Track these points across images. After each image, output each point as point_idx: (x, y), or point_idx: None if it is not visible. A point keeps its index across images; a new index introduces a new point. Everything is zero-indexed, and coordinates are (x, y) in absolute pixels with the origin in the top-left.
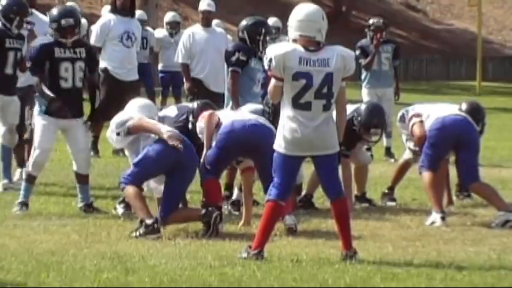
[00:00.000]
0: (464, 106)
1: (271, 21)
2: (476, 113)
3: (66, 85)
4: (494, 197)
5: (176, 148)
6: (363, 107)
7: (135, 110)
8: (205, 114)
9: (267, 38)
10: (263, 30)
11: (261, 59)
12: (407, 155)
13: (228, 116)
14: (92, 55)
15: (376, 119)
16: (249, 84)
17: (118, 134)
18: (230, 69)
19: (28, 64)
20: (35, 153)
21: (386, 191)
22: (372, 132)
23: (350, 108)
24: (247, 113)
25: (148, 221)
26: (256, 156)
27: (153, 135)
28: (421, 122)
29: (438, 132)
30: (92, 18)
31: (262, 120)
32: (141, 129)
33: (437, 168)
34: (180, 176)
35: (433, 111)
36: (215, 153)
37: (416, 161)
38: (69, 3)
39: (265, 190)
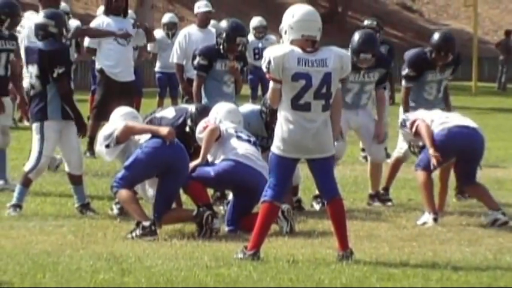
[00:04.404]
0: (435, 36)
1: (256, 20)
2: (445, 43)
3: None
4: (486, 197)
5: (168, 140)
6: (356, 35)
7: (118, 119)
8: (208, 127)
9: (232, 43)
10: (224, 35)
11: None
12: (397, 153)
13: (233, 143)
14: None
15: (364, 43)
16: (216, 86)
17: (107, 146)
18: (195, 73)
19: (60, 70)
20: (41, 160)
21: (381, 192)
22: (362, 58)
23: None
24: (252, 151)
25: (146, 223)
26: (245, 196)
27: (142, 140)
28: (425, 122)
29: (442, 143)
30: (88, 19)
31: (263, 166)
32: (130, 134)
33: (433, 170)
34: (172, 178)
35: (436, 117)
36: (208, 178)
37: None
38: (62, 4)
39: (232, 222)
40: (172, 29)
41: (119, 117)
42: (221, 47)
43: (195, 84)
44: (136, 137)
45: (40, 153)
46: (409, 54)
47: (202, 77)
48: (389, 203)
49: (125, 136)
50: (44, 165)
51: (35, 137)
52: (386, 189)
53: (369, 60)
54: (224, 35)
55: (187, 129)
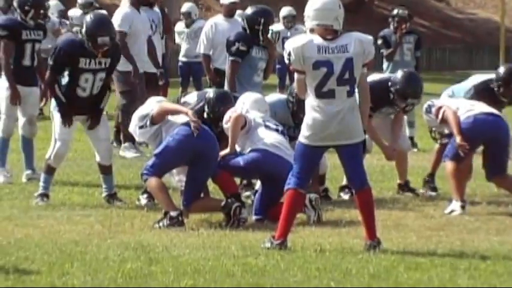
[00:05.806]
0: (501, 70)
1: (286, 10)
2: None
3: (83, 94)
4: None
5: (194, 132)
6: (399, 74)
7: (154, 103)
8: (233, 115)
9: (267, 27)
10: (262, 20)
11: (265, 48)
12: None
13: (261, 132)
14: (115, 62)
15: (414, 88)
16: (249, 73)
17: (141, 127)
18: (230, 58)
19: (50, 62)
20: (56, 145)
21: (426, 179)
22: (409, 102)
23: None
24: (280, 140)
25: (173, 213)
26: (274, 185)
27: (175, 125)
28: (452, 109)
29: (468, 130)
30: (114, 9)
31: (292, 155)
32: (165, 113)
33: (461, 160)
34: (202, 165)
35: (462, 105)
36: (238, 168)
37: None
38: None
39: (259, 211)
40: (187, 18)
41: (155, 103)
42: (260, 33)
43: (230, 71)
44: (169, 123)
45: (55, 139)
46: (477, 86)
47: (238, 63)
48: (434, 193)
49: (161, 116)
50: (61, 150)
51: (52, 124)
52: (432, 175)
53: (414, 105)
54: (262, 21)
55: (205, 115)
